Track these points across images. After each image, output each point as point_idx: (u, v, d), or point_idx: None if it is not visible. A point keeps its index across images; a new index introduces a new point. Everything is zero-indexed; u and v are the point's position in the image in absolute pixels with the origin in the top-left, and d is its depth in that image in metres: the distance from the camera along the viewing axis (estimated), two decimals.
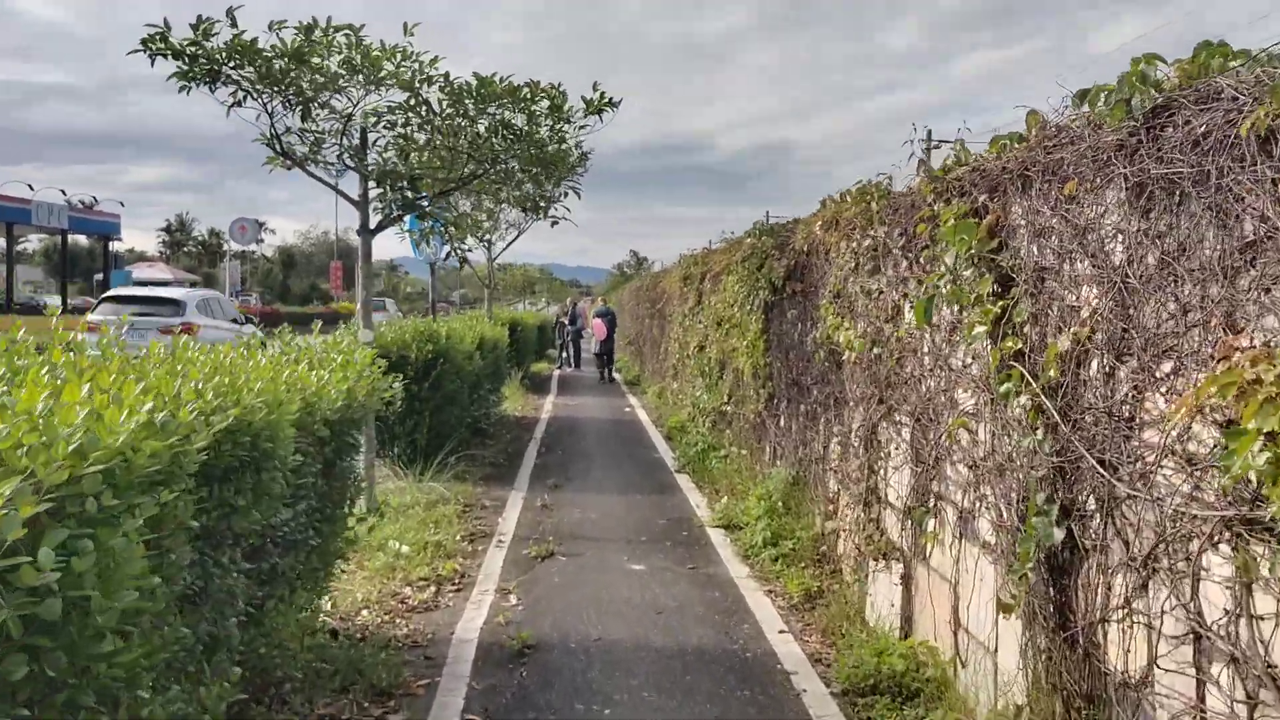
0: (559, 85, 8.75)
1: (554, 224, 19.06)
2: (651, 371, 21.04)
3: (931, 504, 4.67)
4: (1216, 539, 2.61)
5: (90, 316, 16.71)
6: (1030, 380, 3.53)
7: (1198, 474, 2.69)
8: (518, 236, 19.62)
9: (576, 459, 12.06)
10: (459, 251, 11.56)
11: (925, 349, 4.80)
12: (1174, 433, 2.77)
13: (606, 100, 9.21)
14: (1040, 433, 3.44)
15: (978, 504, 4.14)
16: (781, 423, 8.31)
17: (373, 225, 8.74)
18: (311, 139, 8.62)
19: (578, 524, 8.62)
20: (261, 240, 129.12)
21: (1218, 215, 2.65)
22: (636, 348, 25.48)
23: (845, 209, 5.98)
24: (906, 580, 5.03)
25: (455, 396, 10.70)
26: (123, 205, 59.00)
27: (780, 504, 7.57)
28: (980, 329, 3.84)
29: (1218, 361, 2.51)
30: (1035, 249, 3.66)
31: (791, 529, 7.28)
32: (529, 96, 8.50)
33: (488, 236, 19.25)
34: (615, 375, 26.37)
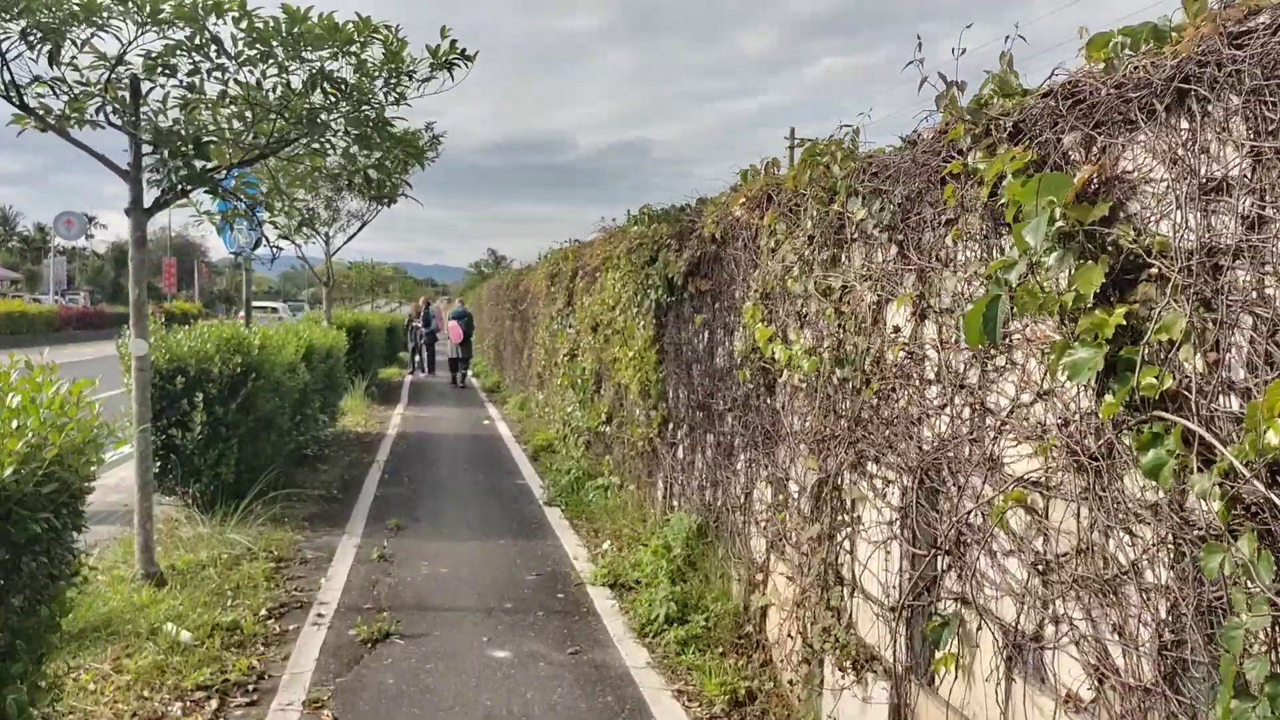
0: (396, 29, 6.88)
1: (390, 204, 17.12)
2: (513, 379, 19.18)
3: (949, 610, 3.11)
4: None
5: None
6: (1201, 448, 1.99)
7: None
8: (361, 228, 17.45)
9: (425, 489, 10.16)
10: (271, 242, 9.45)
11: (934, 372, 3.24)
12: None
13: (459, 52, 7.42)
14: (1247, 546, 1.89)
15: (1054, 630, 2.59)
16: (681, 454, 6.70)
17: (147, 202, 6.66)
18: (70, 91, 6.51)
19: (424, 584, 6.78)
20: (92, 235, 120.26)
21: None
22: (496, 352, 23.54)
23: (785, 179, 4.39)
24: (899, 712, 3.45)
25: (273, 419, 8.66)
26: None
27: (684, 561, 5.94)
28: (1081, 354, 2.28)
29: None
30: (1201, 217, 2.12)
31: (701, 595, 5.67)
32: (357, 38, 6.61)
33: (323, 229, 17.00)
34: (473, 380, 24.36)
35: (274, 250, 9.49)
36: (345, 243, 17.34)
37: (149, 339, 6.67)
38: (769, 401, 4.86)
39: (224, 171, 7.02)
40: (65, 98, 6.53)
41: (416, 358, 26.38)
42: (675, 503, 6.82)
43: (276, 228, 17.04)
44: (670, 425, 6.97)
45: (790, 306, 4.45)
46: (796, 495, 4.45)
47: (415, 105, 17.11)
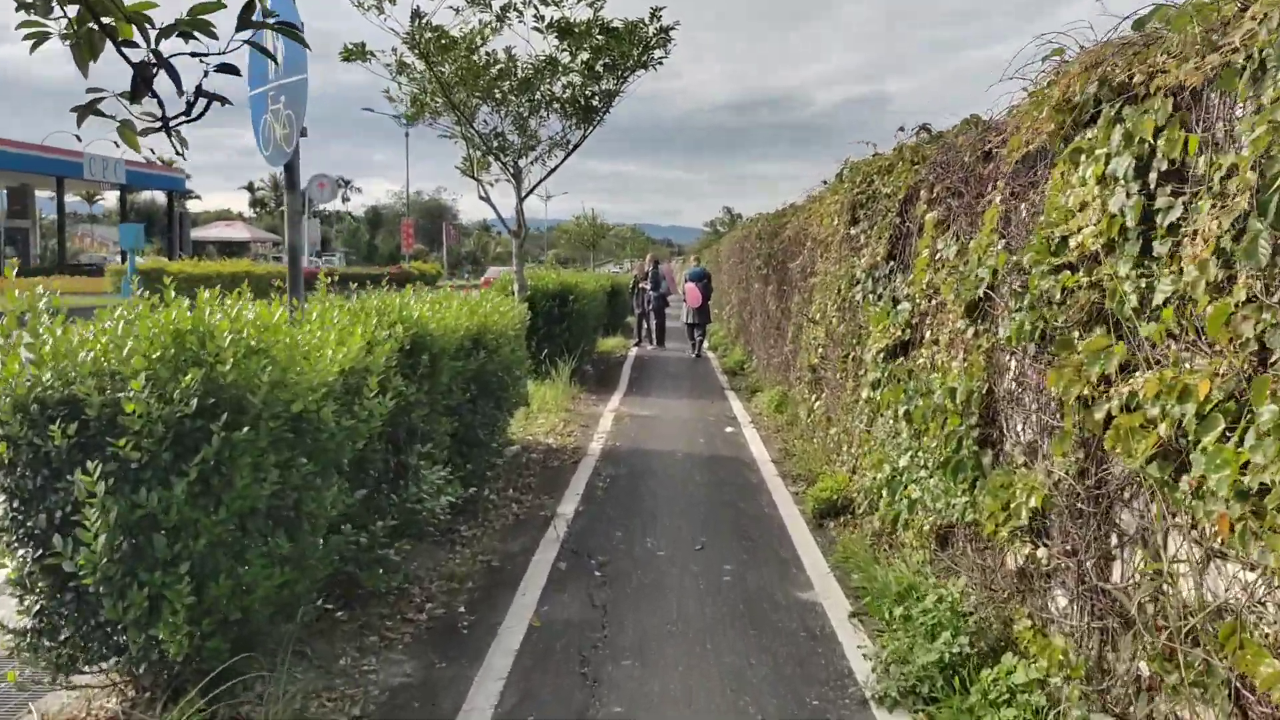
0: None
1: (599, 121, 12.58)
2: (765, 361, 14.14)
3: None
4: None
5: None
6: None
7: None
8: (566, 157, 12.90)
9: (625, 605, 5.38)
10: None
11: None
12: None
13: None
14: None
15: None
16: None
17: None
18: None
19: None
20: (348, 199, 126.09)
21: None
22: (740, 322, 18.57)
23: None
24: None
25: (290, 508, 4.11)
26: (182, 157, 54.80)
27: None
28: None
29: None
30: None
31: None
32: None
33: (514, 159, 12.55)
34: (708, 353, 19.61)
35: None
36: (545, 178, 12.86)
37: None
38: None
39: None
40: None
41: (643, 326, 21.94)
42: None
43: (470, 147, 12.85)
44: None
45: None
46: None
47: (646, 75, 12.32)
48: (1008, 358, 4.21)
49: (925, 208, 5.32)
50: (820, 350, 8.79)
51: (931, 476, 4.95)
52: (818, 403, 8.90)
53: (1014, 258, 4.01)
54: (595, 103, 12.25)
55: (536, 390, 12.63)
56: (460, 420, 6.66)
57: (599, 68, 12.10)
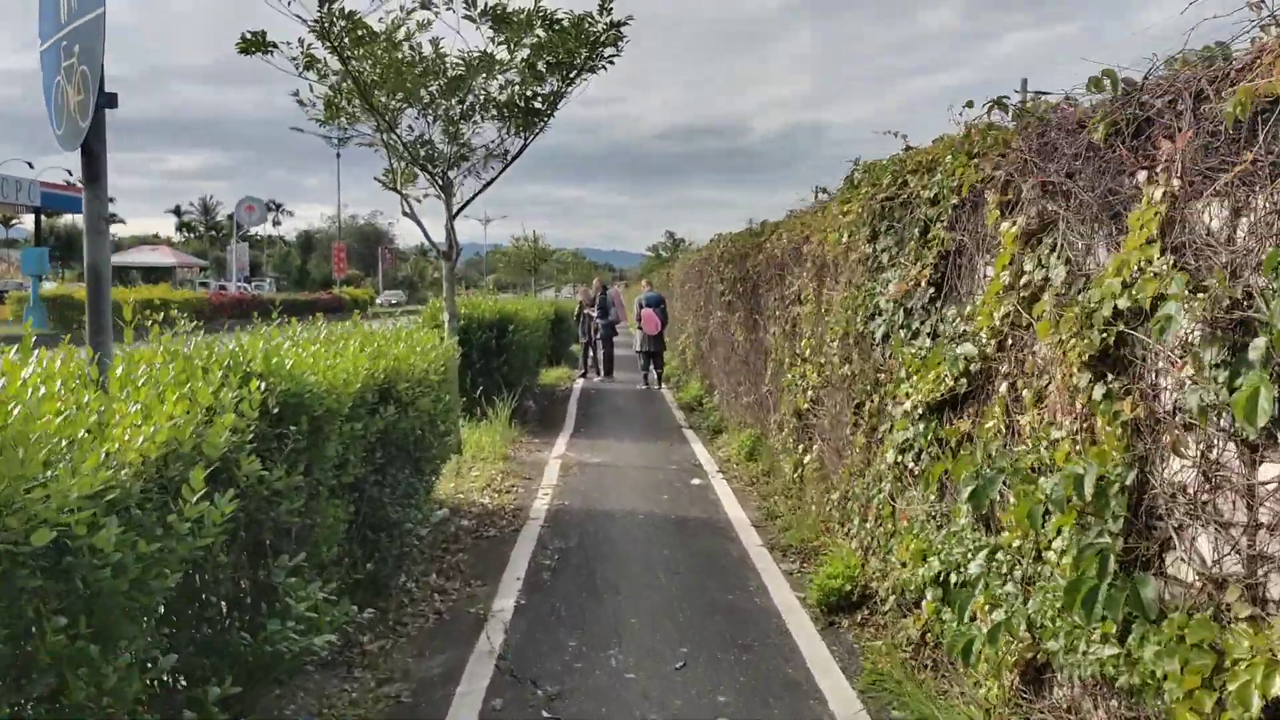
0: None
1: (541, 127, 11.39)
2: (731, 397, 12.65)
3: None
4: None
5: None
6: None
7: None
8: (503, 169, 11.33)
9: None
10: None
11: None
12: None
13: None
14: None
15: None
16: None
17: None
18: None
19: None
20: (279, 223, 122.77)
21: None
22: (698, 352, 17.07)
23: None
24: None
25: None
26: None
27: None
28: None
29: None
30: None
31: None
32: None
33: (444, 170, 10.95)
34: (663, 386, 18.10)
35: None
36: (479, 191, 11.24)
37: None
38: None
39: None
40: None
41: (590, 356, 20.34)
42: None
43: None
44: None
45: None
46: None
47: (596, 91, 11.34)
48: (1179, 434, 2.74)
49: (998, 214, 3.85)
50: (811, 394, 7.30)
51: (1026, 599, 3.46)
52: (808, 456, 7.41)
53: (1207, 280, 2.55)
54: (538, 104, 10.72)
55: (471, 435, 10.98)
56: (363, 499, 5.02)
57: (541, 66, 10.59)
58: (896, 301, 4.90)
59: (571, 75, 10.89)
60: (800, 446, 7.73)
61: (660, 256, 80.00)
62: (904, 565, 4.81)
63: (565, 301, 28.36)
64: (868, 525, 5.62)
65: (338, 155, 64.56)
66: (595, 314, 19.35)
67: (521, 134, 11.17)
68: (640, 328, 17.72)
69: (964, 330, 4.19)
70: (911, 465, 4.86)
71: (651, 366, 18.09)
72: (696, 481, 9.49)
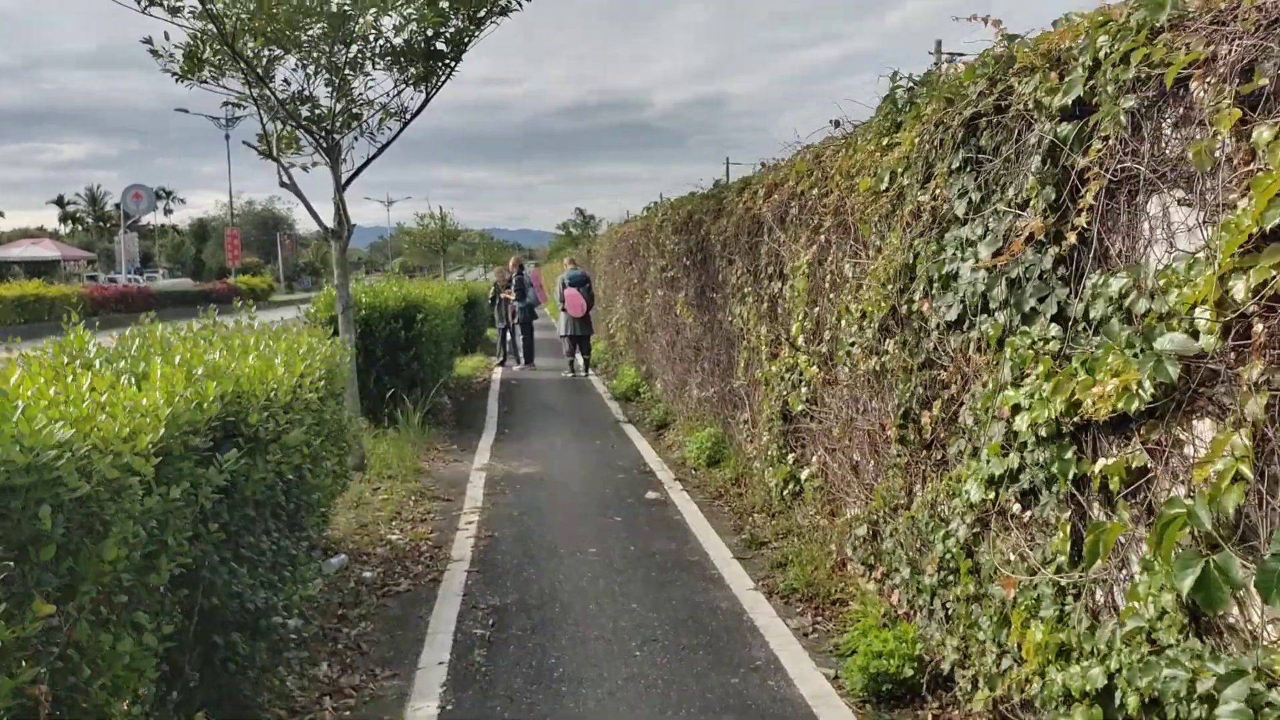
0: None
1: (440, 80, 9.73)
2: (677, 389, 11.04)
3: None
4: None
5: None
6: None
7: None
8: (396, 136, 9.45)
9: None
10: None
11: None
12: None
13: None
14: None
15: None
16: None
17: None
18: None
19: None
20: (170, 211, 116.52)
21: None
22: (631, 337, 15.40)
23: None
24: None
25: None
26: None
27: None
28: None
29: None
30: None
31: None
32: None
33: (329, 132, 9.03)
34: (591, 373, 16.45)
35: None
36: (374, 155, 9.33)
37: None
38: None
39: None
40: None
41: (507, 342, 18.47)
42: None
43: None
44: None
45: None
46: None
47: (492, 71, 9.66)
48: None
49: (1235, 114, 2.30)
50: (806, 392, 5.74)
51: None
52: (805, 471, 5.84)
53: None
54: (440, 45, 8.89)
55: (376, 446, 9.17)
56: (200, 591, 3.26)
57: (443, 3, 8.77)
58: (992, 269, 3.33)
59: (480, 15, 9.11)
60: (791, 457, 6.17)
61: (570, 234, 78.09)
62: (1009, 654, 3.27)
63: (478, 284, 26.38)
64: (923, 580, 4.07)
65: (226, 136, 60.84)
66: (513, 296, 17.52)
67: (423, 86, 9.34)
68: (564, 310, 15.97)
69: (1146, 310, 2.64)
70: (1017, 508, 3.32)
71: (578, 353, 16.39)
72: (652, 495, 7.88)
